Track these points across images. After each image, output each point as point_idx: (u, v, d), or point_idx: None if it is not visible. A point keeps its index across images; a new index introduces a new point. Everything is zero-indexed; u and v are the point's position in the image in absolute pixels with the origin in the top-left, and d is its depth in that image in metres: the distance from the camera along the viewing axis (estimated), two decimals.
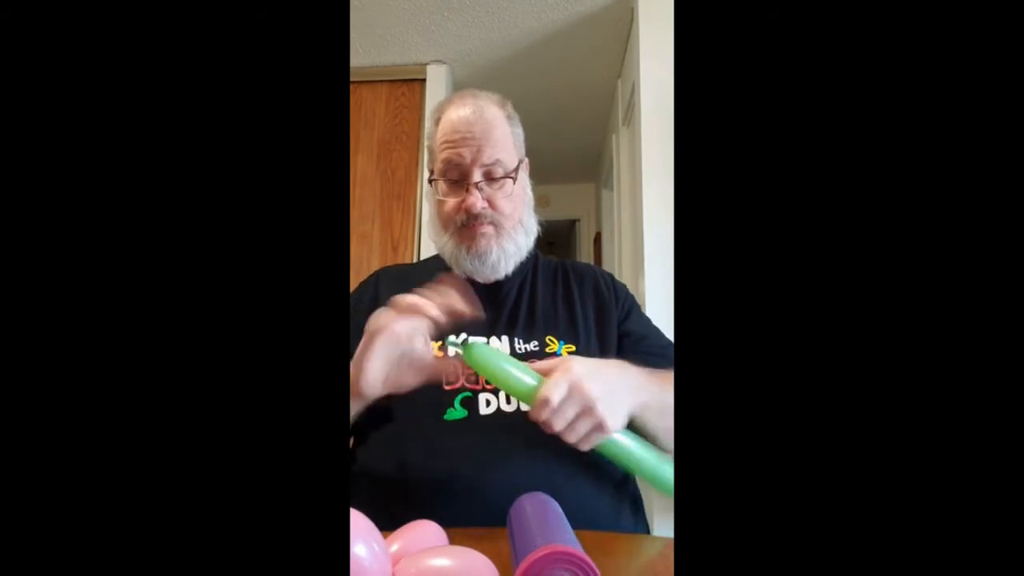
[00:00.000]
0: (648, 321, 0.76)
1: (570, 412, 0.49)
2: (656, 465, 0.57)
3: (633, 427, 0.58)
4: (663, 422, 0.59)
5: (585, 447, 0.51)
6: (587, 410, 0.50)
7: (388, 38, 2.00)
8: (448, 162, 0.69)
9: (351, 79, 2.09)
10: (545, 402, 0.49)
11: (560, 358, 0.53)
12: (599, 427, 0.50)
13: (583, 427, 0.50)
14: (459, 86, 2.22)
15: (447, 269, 0.75)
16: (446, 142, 0.70)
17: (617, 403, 0.52)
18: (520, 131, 0.75)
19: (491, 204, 0.69)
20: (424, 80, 2.13)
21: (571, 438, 0.50)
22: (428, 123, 0.75)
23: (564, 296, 0.73)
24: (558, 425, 0.49)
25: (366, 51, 2.07)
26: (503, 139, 0.71)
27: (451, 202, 0.70)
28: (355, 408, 0.58)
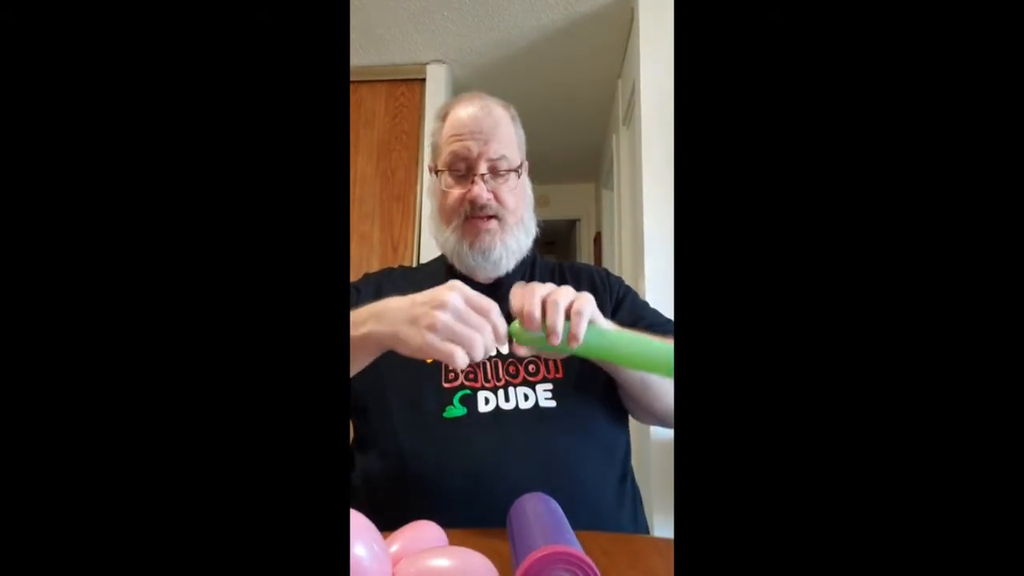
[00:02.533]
0: (643, 304, 0.76)
1: (567, 295, 0.48)
2: (646, 344, 0.52)
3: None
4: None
5: (574, 334, 0.48)
6: (579, 297, 0.49)
7: (388, 38, 2.00)
8: (455, 154, 0.70)
9: (351, 79, 2.10)
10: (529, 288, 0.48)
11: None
12: (579, 316, 0.48)
13: (571, 302, 0.48)
14: (459, 86, 2.22)
15: (449, 271, 0.75)
16: (454, 135, 0.71)
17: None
18: (523, 135, 0.77)
19: (496, 197, 0.70)
20: (424, 80, 2.13)
21: (561, 306, 0.48)
22: (433, 121, 0.76)
23: None
24: (543, 290, 0.48)
25: (366, 51, 2.07)
26: (508, 137, 0.72)
27: (456, 193, 0.70)
28: (370, 354, 0.55)
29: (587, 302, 0.49)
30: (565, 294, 0.49)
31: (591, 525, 0.54)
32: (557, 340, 0.48)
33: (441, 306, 0.47)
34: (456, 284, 0.49)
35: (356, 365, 0.56)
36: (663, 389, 0.61)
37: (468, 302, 0.48)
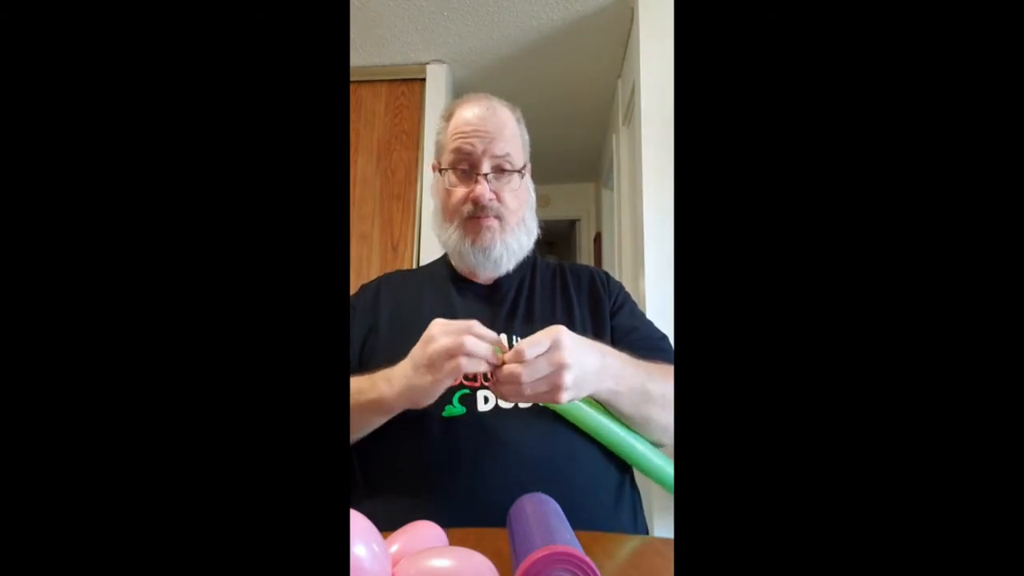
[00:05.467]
0: (641, 315, 0.76)
1: (540, 368, 0.50)
2: (613, 431, 0.59)
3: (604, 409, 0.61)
4: (640, 409, 0.60)
5: (524, 403, 0.53)
6: (555, 371, 0.51)
7: (388, 38, 2.00)
8: (459, 152, 0.71)
9: (351, 79, 2.09)
10: (519, 353, 0.50)
11: (551, 326, 0.54)
12: (555, 392, 0.51)
13: (541, 386, 0.51)
14: (459, 86, 2.21)
15: (449, 273, 0.75)
16: (458, 134, 0.71)
17: (583, 380, 0.53)
18: (527, 136, 0.77)
19: (498, 197, 0.70)
20: (424, 80, 2.13)
21: (525, 392, 0.51)
22: (438, 121, 0.77)
23: (562, 295, 0.74)
24: (525, 377, 0.50)
25: (366, 51, 2.06)
26: (513, 138, 0.73)
27: (459, 192, 0.71)
28: (388, 417, 0.60)
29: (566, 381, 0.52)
30: (544, 379, 0.51)
31: (591, 525, 0.54)
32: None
33: (428, 340, 0.53)
34: (436, 321, 0.54)
35: (368, 427, 0.61)
36: (661, 423, 0.62)
37: (448, 326, 0.53)
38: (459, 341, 0.51)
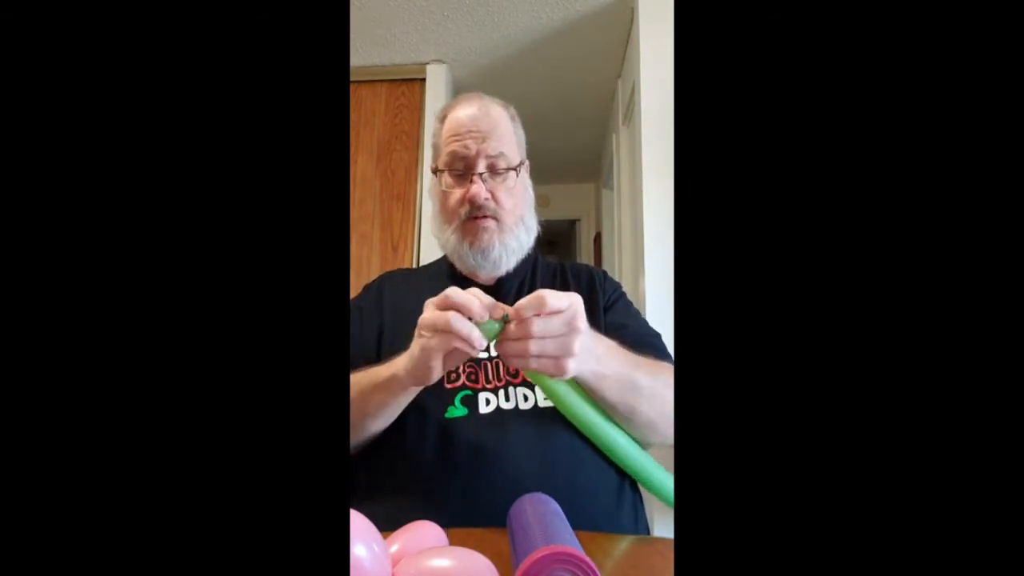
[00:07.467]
0: (635, 312, 0.76)
1: (554, 326, 0.48)
2: (591, 418, 0.58)
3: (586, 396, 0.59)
4: (625, 398, 0.58)
5: (535, 366, 0.49)
6: (572, 330, 0.49)
7: (388, 38, 2.00)
8: (454, 154, 0.71)
9: (351, 79, 2.09)
10: (541, 300, 0.47)
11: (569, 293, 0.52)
12: (570, 349, 0.49)
13: (549, 347, 0.48)
14: (459, 86, 2.21)
15: (449, 272, 0.75)
16: (452, 136, 0.72)
17: (583, 353, 0.51)
18: (522, 134, 0.77)
19: (494, 196, 0.71)
20: (424, 80, 2.13)
21: (548, 347, 0.48)
22: (433, 123, 0.78)
23: None
24: (537, 331, 0.47)
25: (366, 51, 2.07)
26: (507, 136, 0.73)
27: (455, 194, 0.71)
28: (407, 399, 0.59)
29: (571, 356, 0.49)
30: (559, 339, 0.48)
31: (591, 525, 0.54)
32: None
33: (427, 306, 0.51)
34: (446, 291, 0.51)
35: (395, 408, 0.60)
36: (647, 417, 0.60)
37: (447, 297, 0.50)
38: (447, 304, 0.49)
